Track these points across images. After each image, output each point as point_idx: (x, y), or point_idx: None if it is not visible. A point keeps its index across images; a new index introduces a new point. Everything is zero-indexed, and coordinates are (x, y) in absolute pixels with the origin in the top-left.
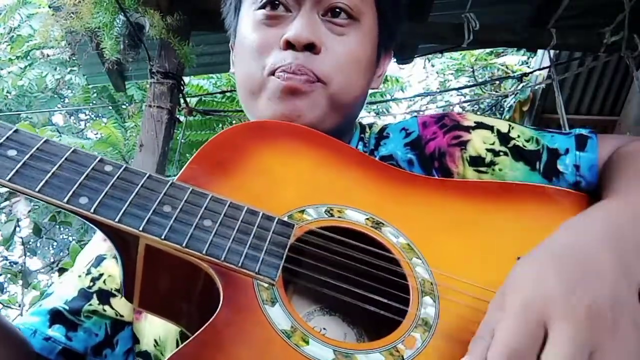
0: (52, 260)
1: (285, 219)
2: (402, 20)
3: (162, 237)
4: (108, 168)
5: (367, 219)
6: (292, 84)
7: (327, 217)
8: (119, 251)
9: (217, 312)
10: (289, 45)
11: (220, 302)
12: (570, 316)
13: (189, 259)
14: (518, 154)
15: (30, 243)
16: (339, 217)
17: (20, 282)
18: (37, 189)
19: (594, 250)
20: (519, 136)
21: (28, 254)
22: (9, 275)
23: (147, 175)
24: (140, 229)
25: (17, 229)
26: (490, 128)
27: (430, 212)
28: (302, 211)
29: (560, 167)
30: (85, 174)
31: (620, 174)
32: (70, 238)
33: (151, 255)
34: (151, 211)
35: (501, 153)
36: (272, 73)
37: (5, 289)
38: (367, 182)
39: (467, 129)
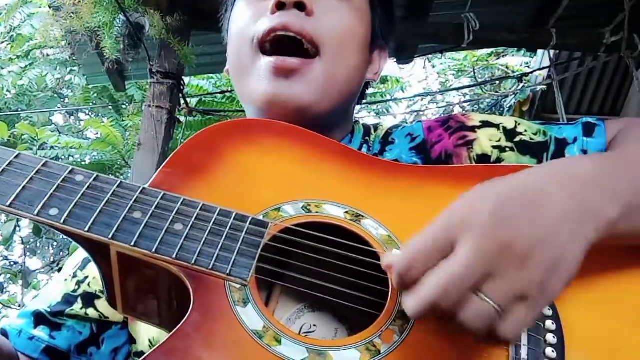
0: (52, 260)
1: (260, 218)
2: (395, 14)
3: (132, 243)
4: (79, 178)
5: (346, 212)
6: (285, 64)
7: (304, 214)
8: (95, 259)
9: (186, 316)
10: (279, 6)
11: (191, 305)
12: (480, 237)
13: (160, 264)
14: (524, 148)
15: (30, 243)
16: (317, 212)
17: (20, 282)
18: (7, 204)
19: (543, 187)
20: (525, 131)
21: (28, 254)
22: (9, 275)
23: (117, 183)
24: (110, 236)
25: (17, 229)
26: (496, 126)
27: (412, 201)
28: (278, 209)
29: (568, 156)
30: (56, 185)
31: (616, 143)
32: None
33: (125, 262)
34: (121, 218)
35: (507, 149)
36: (262, 44)
37: (5, 289)
38: (348, 174)
39: (473, 128)
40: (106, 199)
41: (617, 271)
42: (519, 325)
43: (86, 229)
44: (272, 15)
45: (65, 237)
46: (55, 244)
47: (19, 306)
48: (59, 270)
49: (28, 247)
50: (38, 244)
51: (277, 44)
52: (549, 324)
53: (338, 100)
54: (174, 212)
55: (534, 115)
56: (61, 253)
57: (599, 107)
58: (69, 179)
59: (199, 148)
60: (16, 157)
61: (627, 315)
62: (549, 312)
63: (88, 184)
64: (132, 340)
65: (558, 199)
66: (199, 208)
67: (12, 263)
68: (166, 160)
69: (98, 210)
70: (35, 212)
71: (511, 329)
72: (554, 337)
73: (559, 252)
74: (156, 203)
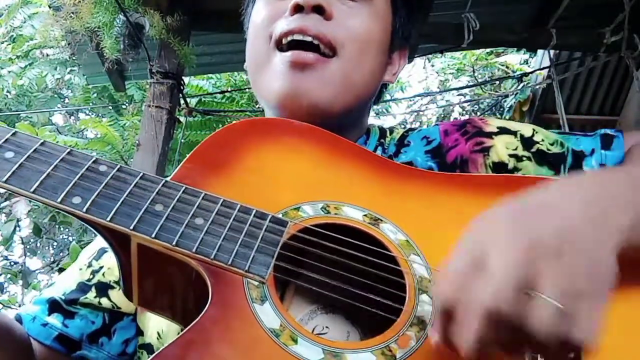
0: (52, 260)
1: (280, 216)
2: (417, 17)
3: (153, 235)
4: (102, 168)
5: (365, 215)
6: (300, 57)
7: (323, 214)
8: (115, 250)
9: (204, 310)
10: (297, 9)
11: (209, 300)
12: (508, 241)
13: (180, 258)
14: (541, 158)
15: (30, 243)
16: (336, 213)
17: (20, 282)
18: (31, 190)
19: (561, 197)
20: (542, 140)
21: (28, 254)
22: (9, 275)
23: (140, 175)
24: (131, 227)
25: (17, 229)
26: (513, 133)
27: (431, 207)
28: (297, 208)
29: (586, 169)
30: (80, 174)
31: (631, 156)
32: (70, 238)
33: (144, 254)
34: (143, 210)
35: (524, 158)
36: (279, 43)
37: (5, 289)
38: (367, 177)
39: (490, 134)
40: (129, 190)
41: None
42: (591, 324)
43: (108, 219)
44: (290, 17)
45: (65, 237)
46: (55, 244)
47: (19, 306)
48: (59, 270)
49: (28, 247)
50: (38, 244)
51: (294, 44)
52: None
53: (353, 102)
54: (195, 206)
55: (534, 115)
56: (61, 253)
57: (599, 107)
58: (92, 169)
59: (220, 145)
60: (42, 144)
61: None
62: None
63: (111, 174)
64: (139, 332)
65: (575, 205)
66: (219, 203)
67: (12, 263)
68: (187, 156)
69: (120, 201)
70: (59, 199)
71: (585, 328)
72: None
73: (591, 246)
74: (178, 196)
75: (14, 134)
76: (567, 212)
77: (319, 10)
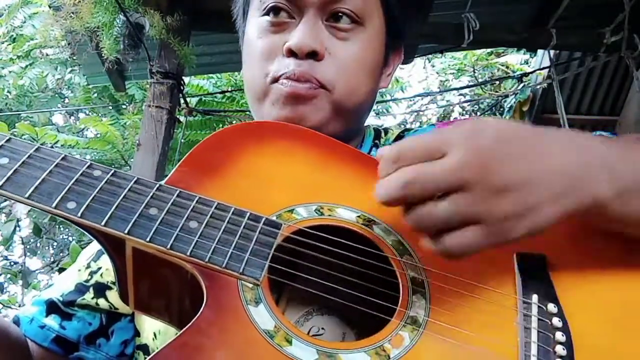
0: (52, 260)
1: (274, 218)
2: (410, 18)
3: (147, 239)
4: (97, 173)
5: (359, 216)
6: (295, 90)
7: (317, 216)
8: (110, 254)
9: (199, 312)
10: (292, 53)
11: (204, 302)
12: (470, 153)
13: (174, 261)
14: None
15: (30, 243)
16: (330, 215)
17: (20, 282)
18: (26, 196)
19: (549, 142)
20: None
21: (28, 254)
22: (9, 275)
23: (134, 179)
24: (126, 231)
25: (17, 229)
26: None
27: None
28: (291, 210)
29: None
30: (74, 179)
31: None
32: (70, 238)
33: (139, 258)
34: (137, 214)
35: None
36: (276, 80)
37: (5, 289)
38: (361, 180)
39: None
40: (123, 194)
41: (624, 270)
42: (462, 242)
43: (103, 223)
44: (287, 60)
45: (65, 237)
46: (55, 244)
47: (19, 306)
48: (59, 270)
49: (28, 247)
50: (38, 244)
51: None
52: (556, 321)
53: (349, 123)
54: (190, 210)
55: (534, 116)
56: (61, 253)
57: (599, 107)
58: (87, 174)
59: (215, 148)
60: (36, 150)
61: (631, 317)
62: (555, 310)
63: (106, 179)
64: (137, 333)
65: (558, 157)
66: (213, 207)
67: (12, 263)
68: (182, 159)
69: (115, 205)
70: (54, 204)
71: (454, 242)
72: (562, 335)
73: (536, 202)
74: (172, 200)
75: (8, 140)
76: (552, 160)
77: (312, 54)
